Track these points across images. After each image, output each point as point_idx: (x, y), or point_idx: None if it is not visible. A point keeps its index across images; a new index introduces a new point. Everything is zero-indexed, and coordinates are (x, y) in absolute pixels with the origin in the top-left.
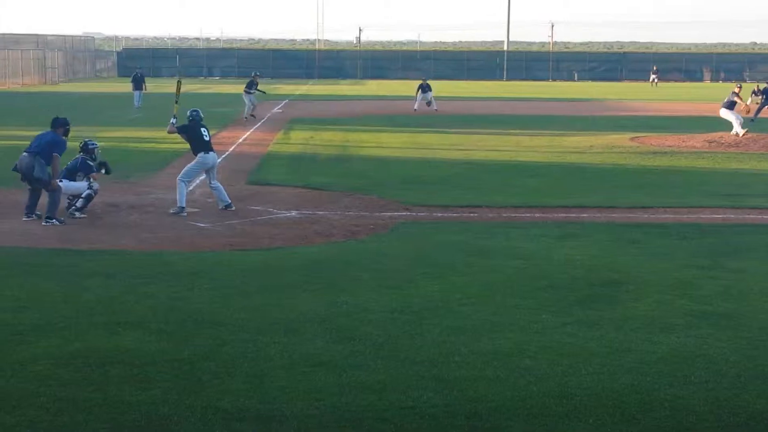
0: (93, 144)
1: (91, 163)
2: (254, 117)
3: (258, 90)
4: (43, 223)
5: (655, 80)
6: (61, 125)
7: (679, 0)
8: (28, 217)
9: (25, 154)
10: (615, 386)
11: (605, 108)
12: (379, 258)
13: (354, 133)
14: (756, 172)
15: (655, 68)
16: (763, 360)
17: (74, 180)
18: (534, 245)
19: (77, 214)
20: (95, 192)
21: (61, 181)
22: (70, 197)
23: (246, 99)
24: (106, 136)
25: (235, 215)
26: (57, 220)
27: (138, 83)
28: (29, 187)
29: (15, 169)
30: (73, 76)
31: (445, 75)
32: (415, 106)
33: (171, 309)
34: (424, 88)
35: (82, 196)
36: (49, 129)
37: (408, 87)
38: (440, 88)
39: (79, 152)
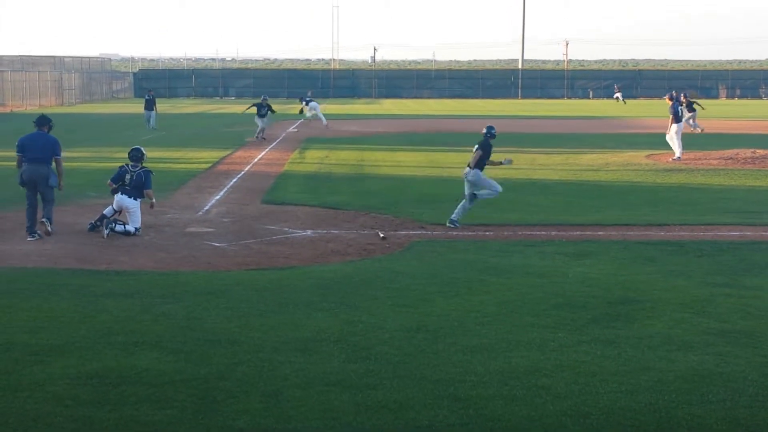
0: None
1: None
2: (264, 139)
3: (269, 110)
4: (42, 219)
5: (619, 97)
6: (47, 123)
7: (694, 17)
8: (33, 236)
9: (31, 166)
10: (632, 405)
11: (620, 126)
12: (394, 277)
13: (369, 152)
14: None
15: (617, 87)
16: None
17: (141, 196)
18: (550, 263)
19: (106, 232)
20: (138, 233)
21: (135, 199)
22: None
23: (258, 122)
24: (122, 157)
25: (250, 235)
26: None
27: (149, 105)
28: (29, 202)
29: (23, 182)
30: (89, 97)
31: (459, 93)
32: (325, 123)
33: (187, 329)
34: (307, 101)
35: (127, 228)
36: (36, 130)
37: (424, 106)
38: (455, 106)
39: (138, 164)
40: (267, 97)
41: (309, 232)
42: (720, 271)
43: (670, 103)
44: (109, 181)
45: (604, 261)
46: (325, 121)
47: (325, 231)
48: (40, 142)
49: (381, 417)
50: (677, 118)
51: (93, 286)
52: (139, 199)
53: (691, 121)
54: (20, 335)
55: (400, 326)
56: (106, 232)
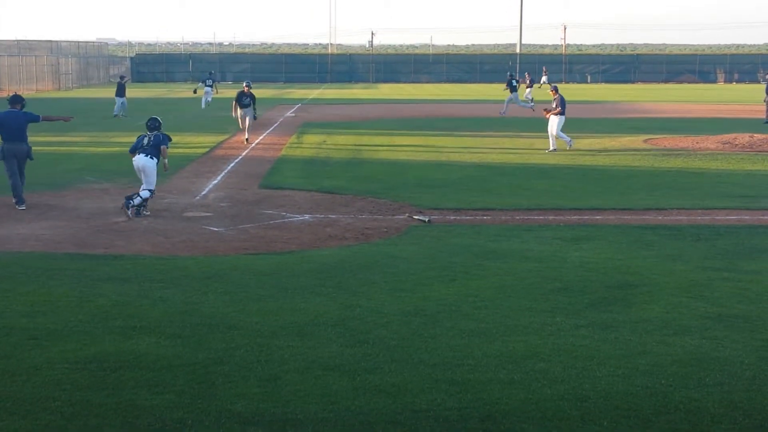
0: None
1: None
2: (247, 140)
3: (252, 101)
4: (21, 208)
5: (545, 81)
6: (20, 101)
7: (692, 2)
8: (22, 206)
9: (12, 144)
10: (629, 389)
11: (618, 110)
12: (392, 261)
13: (367, 136)
14: None
15: (545, 69)
16: None
17: (158, 156)
18: (547, 248)
19: (129, 212)
20: (152, 196)
21: (152, 158)
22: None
23: (240, 112)
24: (119, 141)
25: (248, 219)
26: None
27: (120, 91)
28: (10, 173)
29: (4, 156)
30: (86, 82)
31: (457, 78)
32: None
33: (185, 313)
34: (242, 99)
35: (141, 194)
36: (9, 108)
37: (422, 90)
38: (453, 90)
39: (155, 130)
40: (251, 84)
41: (307, 216)
42: (717, 256)
43: (556, 95)
44: (129, 152)
45: (602, 245)
46: (207, 102)
47: (322, 216)
48: (16, 121)
49: (379, 401)
50: (563, 109)
51: (91, 270)
52: (155, 159)
53: (528, 95)
54: (18, 319)
55: (398, 310)
56: (129, 212)
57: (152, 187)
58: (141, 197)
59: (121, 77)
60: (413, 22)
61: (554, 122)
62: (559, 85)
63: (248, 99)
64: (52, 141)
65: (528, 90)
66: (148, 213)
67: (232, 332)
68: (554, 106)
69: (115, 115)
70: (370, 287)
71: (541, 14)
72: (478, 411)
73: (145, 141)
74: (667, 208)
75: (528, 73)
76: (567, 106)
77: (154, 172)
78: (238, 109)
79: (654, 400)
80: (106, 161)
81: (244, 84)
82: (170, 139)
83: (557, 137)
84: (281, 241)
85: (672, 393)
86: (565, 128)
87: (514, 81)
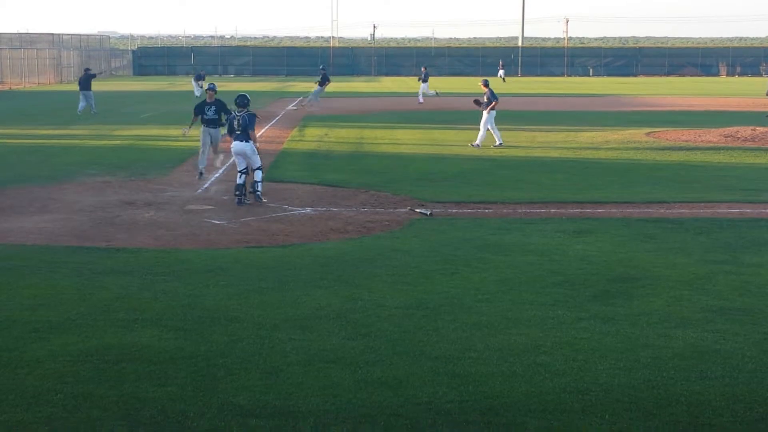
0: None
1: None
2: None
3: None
4: None
5: (502, 75)
6: None
7: None
8: None
9: None
10: (631, 381)
11: (620, 103)
12: (394, 254)
13: (368, 129)
14: None
15: (501, 63)
16: None
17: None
18: (549, 241)
19: (263, 200)
20: (260, 169)
21: (247, 141)
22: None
23: (206, 137)
24: (121, 134)
25: (250, 212)
26: None
27: (86, 84)
28: None
29: None
30: None
31: (459, 71)
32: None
33: (187, 306)
34: (206, 112)
35: (256, 179)
36: None
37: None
38: (454, 83)
39: (243, 109)
40: (215, 88)
41: (308, 209)
42: (719, 249)
43: (486, 90)
44: (225, 136)
45: (604, 239)
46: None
47: (324, 209)
48: None
49: (380, 393)
50: (490, 104)
51: (93, 263)
52: (249, 142)
53: (426, 90)
54: (20, 312)
55: (400, 303)
56: (262, 200)
57: (259, 164)
58: (258, 181)
59: (87, 69)
60: (415, 15)
61: (486, 117)
62: (559, 79)
63: (213, 109)
64: (52, 134)
65: (423, 85)
66: (249, 201)
67: (233, 325)
68: (485, 100)
69: (92, 112)
70: (371, 280)
71: (543, 7)
72: (479, 404)
73: (236, 124)
74: (668, 201)
75: (424, 67)
76: (500, 98)
77: (255, 153)
78: (202, 127)
79: (655, 392)
80: (107, 154)
81: (207, 88)
82: (257, 117)
83: (491, 131)
84: (283, 234)
85: (673, 386)
86: (565, 123)
87: (327, 74)
